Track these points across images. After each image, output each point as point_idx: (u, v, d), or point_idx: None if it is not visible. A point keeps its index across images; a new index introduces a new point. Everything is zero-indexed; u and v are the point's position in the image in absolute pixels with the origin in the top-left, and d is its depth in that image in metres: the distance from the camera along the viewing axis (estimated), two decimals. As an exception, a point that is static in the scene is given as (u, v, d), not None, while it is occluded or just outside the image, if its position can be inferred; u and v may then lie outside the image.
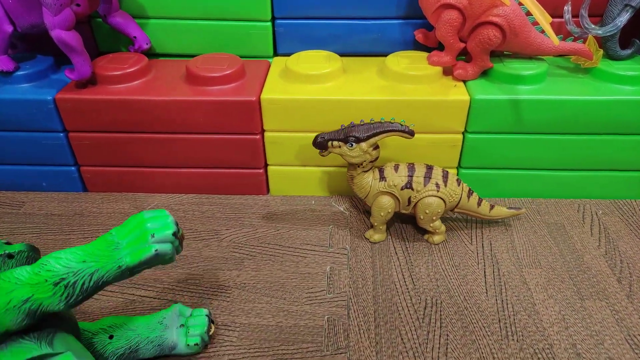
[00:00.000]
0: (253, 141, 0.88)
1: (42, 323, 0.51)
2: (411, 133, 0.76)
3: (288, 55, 0.97)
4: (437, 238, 0.83)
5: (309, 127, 0.86)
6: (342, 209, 0.91)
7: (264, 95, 0.85)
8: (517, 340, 0.67)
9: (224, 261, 0.80)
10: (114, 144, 0.90)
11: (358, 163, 0.77)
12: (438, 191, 0.77)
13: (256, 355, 0.65)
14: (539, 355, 0.64)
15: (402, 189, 0.78)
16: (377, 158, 0.78)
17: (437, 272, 0.77)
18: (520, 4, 0.80)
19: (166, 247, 0.52)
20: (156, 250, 0.51)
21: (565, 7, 0.84)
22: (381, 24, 0.94)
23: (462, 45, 0.84)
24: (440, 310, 0.71)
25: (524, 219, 0.88)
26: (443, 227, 0.82)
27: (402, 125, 0.75)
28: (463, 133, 0.86)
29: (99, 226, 0.88)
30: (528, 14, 0.81)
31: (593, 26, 0.83)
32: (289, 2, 0.92)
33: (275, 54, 1.00)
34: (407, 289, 0.75)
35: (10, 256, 0.59)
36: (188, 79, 0.89)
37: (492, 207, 0.82)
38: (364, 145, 0.75)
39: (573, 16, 0.85)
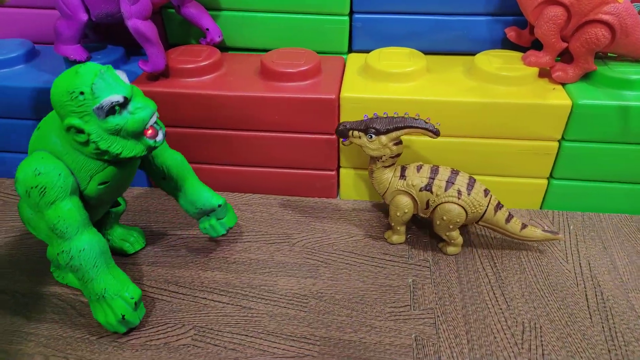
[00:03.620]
0: (328, 141, 0.84)
1: None
2: (436, 133, 0.71)
3: (363, 52, 0.92)
4: (451, 249, 0.77)
5: (391, 128, 0.80)
6: (419, 217, 0.85)
7: (343, 94, 0.80)
8: (633, 376, 0.59)
9: (297, 267, 0.76)
10: (182, 139, 0.87)
11: (377, 156, 0.73)
12: (459, 199, 0.71)
13: (341, 374, 0.60)
14: (662, 395, 0.57)
15: (420, 190, 0.73)
16: (399, 155, 0.74)
17: (532, 292, 0.71)
18: (634, 1, 0.73)
19: None
20: None
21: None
22: (467, 21, 0.88)
23: (564, 45, 0.77)
24: (541, 336, 0.64)
25: (624, 237, 0.80)
26: (460, 239, 0.76)
27: (426, 122, 0.70)
28: (559, 141, 0.79)
29: (166, 224, 0.85)
30: (642, 12, 0.74)
31: None
32: (370, -5, 0.87)
33: (350, 50, 0.95)
34: (501, 309, 0.68)
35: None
36: (262, 74, 0.85)
37: (524, 226, 0.74)
38: (383, 138, 0.71)
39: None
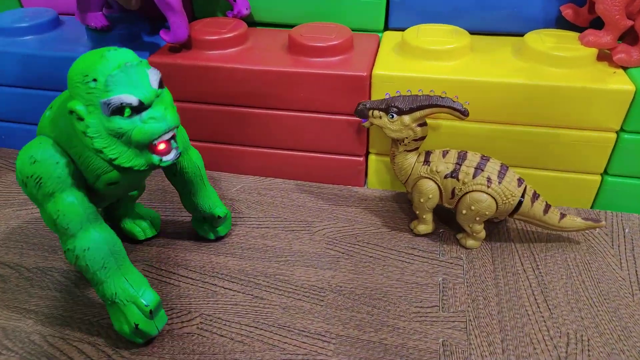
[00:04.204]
0: (357, 123, 0.77)
1: None
2: (464, 113, 0.63)
3: (401, 30, 0.85)
4: (471, 242, 0.70)
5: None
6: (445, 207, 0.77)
7: (376, 71, 0.73)
8: (700, 405, 0.51)
9: (316, 258, 0.70)
10: (202, 116, 0.82)
11: (399, 139, 0.66)
12: (489, 187, 0.63)
13: (357, 378, 0.54)
14: None
15: (445, 177, 0.66)
16: (423, 138, 0.67)
17: (579, 299, 0.62)
18: None
19: None
20: None
21: None
22: (519, -3, 0.79)
23: (630, 23, 0.68)
24: (588, 350, 0.56)
25: (688, 244, 0.70)
26: (483, 233, 0.68)
27: (453, 101, 0.63)
28: (617, 132, 0.70)
29: (181, 204, 0.80)
30: None
31: None
32: (410, -33, 0.80)
33: (386, 28, 0.88)
34: (543, 317, 0.60)
35: None
36: (290, 49, 0.79)
37: (562, 216, 0.66)
38: (406, 118, 0.64)
39: None
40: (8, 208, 0.80)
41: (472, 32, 0.81)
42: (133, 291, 0.54)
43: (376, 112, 0.66)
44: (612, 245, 0.71)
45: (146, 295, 0.55)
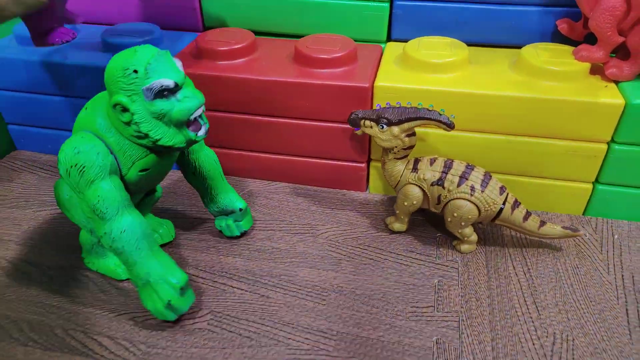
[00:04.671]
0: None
1: None
2: (450, 125, 0.67)
3: (402, 41, 0.89)
4: (465, 247, 0.73)
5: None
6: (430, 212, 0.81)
7: (377, 83, 0.77)
8: (675, 402, 0.55)
9: (319, 259, 0.74)
10: (212, 122, 0.85)
11: (389, 148, 0.71)
12: (472, 195, 0.68)
13: (355, 372, 0.58)
14: None
15: (432, 184, 0.70)
16: (412, 147, 0.71)
17: (566, 302, 0.66)
18: None
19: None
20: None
21: None
22: (516, 11, 0.83)
23: (621, 39, 0.71)
24: (573, 349, 0.60)
25: (674, 251, 0.74)
26: (474, 237, 0.72)
27: (440, 114, 0.67)
28: (608, 143, 0.74)
29: (192, 207, 0.84)
30: None
31: None
32: (412, -18, 0.84)
33: (389, 39, 0.91)
34: (531, 317, 0.64)
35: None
36: (296, 60, 0.83)
37: (542, 223, 0.70)
38: (395, 129, 0.69)
39: None
40: (28, 209, 0.84)
41: (471, 44, 0.85)
42: (164, 270, 0.59)
43: (367, 122, 0.71)
44: (601, 250, 0.74)
45: (176, 273, 0.60)
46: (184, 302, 0.62)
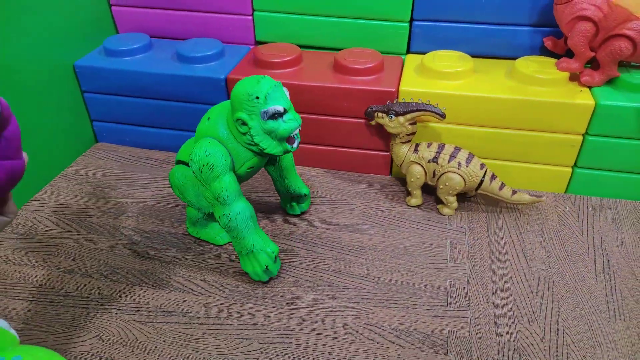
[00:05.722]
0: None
1: None
2: (442, 115, 0.89)
3: (420, 53, 1.09)
4: (446, 210, 0.95)
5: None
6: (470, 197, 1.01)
7: (402, 87, 0.97)
8: (624, 320, 0.75)
9: (356, 226, 0.94)
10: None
11: (396, 134, 0.93)
12: (459, 169, 0.89)
13: (390, 302, 0.78)
14: (646, 335, 0.72)
15: (429, 161, 0.92)
16: (413, 133, 0.93)
17: (549, 256, 0.86)
18: (654, 19, 0.86)
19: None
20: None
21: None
22: (511, 30, 1.03)
23: (592, 54, 0.91)
24: (553, 287, 0.80)
25: (635, 219, 0.94)
26: (455, 204, 0.94)
27: (434, 107, 0.89)
28: (583, 135, 0.94)
29: (249, 188, 1.05)
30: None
31: None
32: (428, 6, 1.04)
33: (408, 51, 1.12)
34: (522, 266, 0.84)
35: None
36: (335, 69, 1.03)
37: (514, 192, 0.92)
38: (401, 119, 0.91)
39: None
40: (119, 188, 1.05)
41: (475, 56, 1.05)
42: (264, 243, 0.78)
43: (380, 114, 0.94)
44: (578, 219, 0.94)
45: (272, 245, 0.79)
46: (276, 267, 0.82)
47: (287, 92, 0.75)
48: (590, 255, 0.86)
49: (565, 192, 1.01)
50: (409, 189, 0.97)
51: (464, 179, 0.90)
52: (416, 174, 0.94)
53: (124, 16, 1.20)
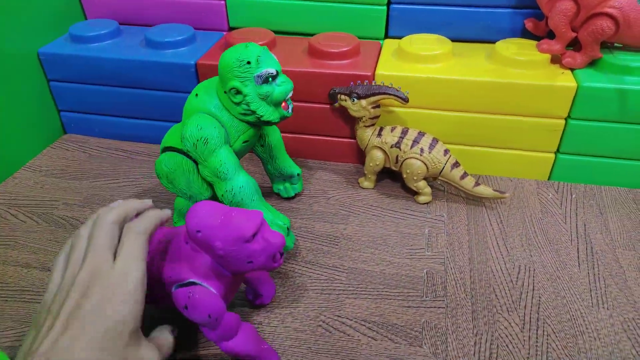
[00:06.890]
0: (363, 113, 0.97)
1: None
2: (405, 99, 0.86)
3: (398, 38, 1.05)
4: (421, 198, 0.91)
5: (417, 103, 0.93)
6: (439, 184, 0.97)
7: (378, 71, 0.93)
8: (607, 309, 0.71)
9: (332, 216, 0.90)
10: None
11: (358, 117, 0.90)
12: (421, 155, 0.86)
13: (363, 293, 0.74)
14: (629, 324, 0.69)
15: (391, 147, 0.89)
16: (377, 117, 0.90)
17: (530, 244, 0.83)
18: (637, -4, 0.83)
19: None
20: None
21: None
22: (492, 12, 1.00)
23: (574, 34, 0.88)
24: (534, 276, 0.77)
25: (619, 206, 0.90)
26: (428, 190, 0.90)
27: (397, 90, 0.86)
28: (566, 119, 0.90)
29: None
30: (644, 7, 0.84)
31: None
32: (406, -12, 1.00)
33: (386, 36, 1.08)
34: (502, 255, 0.81)
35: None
36: (310, 53, 0.99)
37: (477, 184, 0.88)
38: (363, 102, 0.88)
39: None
40: (85, 180, 1.00)
41: (454, 40, 1.01)
42: (273, 215, 0.75)
43: (342, 96, 0.90)
44: (561, 206, 0.91)
45: (281, 217, 0.76)
46: (290, 240, 0.78)
47: (274, 55, 0.73)
48: (574, 243, 0.83)
49: (548, 179, 0.98)
50: (365, 172, 0.95)
51: (426, 165, 0.87)
52: (375, 160, 0.91)
53: (93, 2, 1.15)
